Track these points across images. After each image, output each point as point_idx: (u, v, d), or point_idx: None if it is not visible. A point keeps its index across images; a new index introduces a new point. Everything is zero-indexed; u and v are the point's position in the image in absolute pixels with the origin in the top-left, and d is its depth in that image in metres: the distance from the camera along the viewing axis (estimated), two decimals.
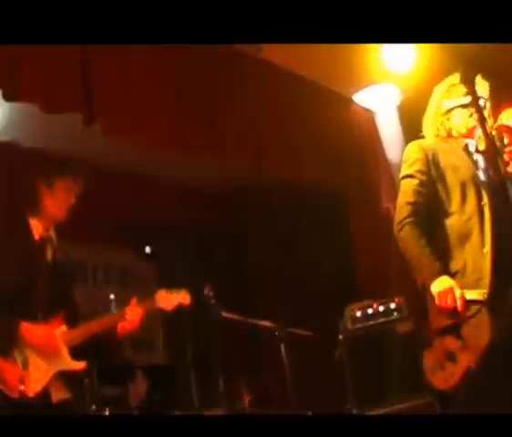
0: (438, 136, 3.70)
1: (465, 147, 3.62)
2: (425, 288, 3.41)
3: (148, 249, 6.28)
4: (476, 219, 3.42)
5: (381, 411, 5.23)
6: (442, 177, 3.53)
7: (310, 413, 4.80)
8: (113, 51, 4.78)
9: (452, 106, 3.69)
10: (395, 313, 5.61)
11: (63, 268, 3.74)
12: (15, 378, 3.33)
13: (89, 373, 4.23)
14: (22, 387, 3.32)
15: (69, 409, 3.51)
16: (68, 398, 3.52)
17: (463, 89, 3.59)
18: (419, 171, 3.55)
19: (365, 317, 5.64)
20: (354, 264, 6.47)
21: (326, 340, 5.33)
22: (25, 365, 3.38)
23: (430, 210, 3.52)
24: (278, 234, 6.59)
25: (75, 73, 4.69)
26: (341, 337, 5.55)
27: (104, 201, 5.94)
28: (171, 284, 3.80)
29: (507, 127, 3.61)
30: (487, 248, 3.36)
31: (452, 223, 3.47)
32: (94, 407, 4.36)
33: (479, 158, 3.61)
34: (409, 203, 3.52)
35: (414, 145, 3.65)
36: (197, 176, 6.58)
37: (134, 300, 3.76)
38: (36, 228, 3.63)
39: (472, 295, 3.33)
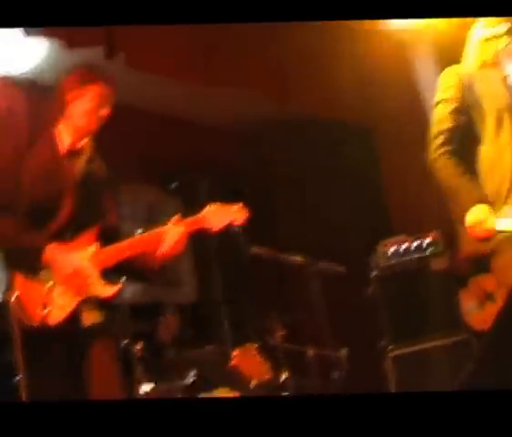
0: (477, 64, 3.56)
1: (504, 79, 3.48)
2: (460, 218, 3.32)
3: (173, 186, 6.27)
4: (510, 148, 3.33)
5: (416, 348, 5.19)
6: (477, 104, 3.43)
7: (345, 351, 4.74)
8: None
9: (495, 32, 3.51)
10: (430, 248, 5.49)
11: (97, 183, 3.36)
12: (38, 301, 3.10)
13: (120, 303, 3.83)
14: (45, 311, 3.08)
15: (100, 334, 3.23)
16: (100, 323, 3.23)
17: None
18: (454, 97, 3.46)
19: (399, 253, 5.53)
20: (387, 201, 6.37)
21: (358, 276, 5.25)
22: (51, 289, 3.12)
23: (464, 138, 3.44)
24: (306, 171, 6.48)
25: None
26: (373, 274, 5.47)
27: (126, 138, 5.88)
28: None
29: None
30: None
31: (486, 151, 3.40)
32: (125, 341, 4.17)
33: None
34: (443, 130, 3.44)
35: (449, 70, 3.55)
36: (223, 111, 6.47)
37: (176, 217, 3.34)
38: (66, 137, 3.30)
39: (505, 224, 3.24)
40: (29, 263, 3.12)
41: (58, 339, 3.16)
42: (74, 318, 3.18)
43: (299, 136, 6.41)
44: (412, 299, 5.36)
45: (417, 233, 5.57)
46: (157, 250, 3.27)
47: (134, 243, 3.28)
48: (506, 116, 3.37)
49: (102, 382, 3.23)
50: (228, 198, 6.21)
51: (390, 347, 5.27)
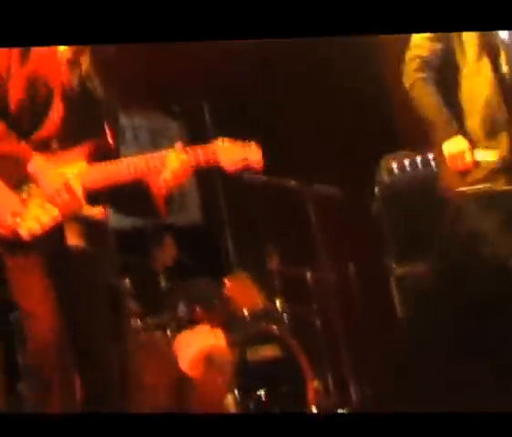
0: None
1: None
2: (439, 149, 3.29)
3: (175, 108, 6.22)
4: (492, 78, 3.26)
5: (419, 268, 5.14)
6: (457, 33, 3.33)
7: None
8: None
9: None
10: (434, 164, 5.39)
11: (93, 99, 3.10)
12: (8, 208, 2.88)
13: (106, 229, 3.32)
14: (17, 220, 2.85)
15: (83, 260, 2.98)
16: (84, 246, 2.97)
17: None
18: None
19: (402, 168, 5.43)
20: (389, 116, 6.24)
21: (359, 194, 5.18)
22: (25, 200, 2.90)
23: (444, 67, 3.39)
24: (307, 89, 6.35)
25: None
26: (377, 190, 5.39)
27: (124, 66, 5.82)
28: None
29: None
30: (502, 111, 3.23)
31: (466, 81, 3.34)
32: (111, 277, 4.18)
33: None
34: (421, 56, 3.37)
35: None
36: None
37: (179, 145, 3.01)
38: (60, 50, 3.03)
39: (484, 156, 3.16)
40: (11, 172, 2.91)
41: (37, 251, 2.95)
42: (56, 235, 2.96)
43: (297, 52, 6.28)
44: (417, 215, 5.28)
45: (423, 147, 5.46)
46: (157, 177, 2.97)
47: (130, 166, 2.95)
48: (486, 43, 3.29)
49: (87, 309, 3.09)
50: (231, 119, 6.27)
51: (394, 266, 5.22)
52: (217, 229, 5.52)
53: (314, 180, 4.69)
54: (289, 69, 6.42)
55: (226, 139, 3.03)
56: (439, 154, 3.35)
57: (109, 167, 2.96)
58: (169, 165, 2.92)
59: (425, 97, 3.33)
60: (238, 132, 5.74)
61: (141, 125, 6.43)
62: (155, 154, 3.03)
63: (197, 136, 6.12)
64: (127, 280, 4.29)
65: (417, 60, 3.36)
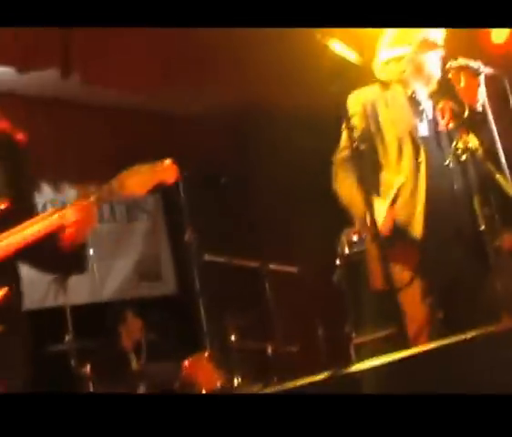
0: (385, 81, 3.70)
1: (412, 95, 3.64)
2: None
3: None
4: (411, 177, 3.48)
5: (380, 335, 5.37)
6: (380, 132, 3.58)
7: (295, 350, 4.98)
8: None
9: (396, 54, 3.67)
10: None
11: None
12: None
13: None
14: None
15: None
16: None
17: (414, 33, 3.63)
18: (356, 125, 3.59)
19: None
20: None
21: (318, 270, 5.45)
22: None
23: (368, 165, 3.57)
24: (270, 160, 6.63)
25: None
26: (338, 262, 5.66)
27: (95, 138, 6.12)
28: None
29: (464, 67, 3.52)
30: (420, 207, 3.44)
31: (388, 179, 3.55)
32: (73, 362, 4.38)
33: (426, 107, 3.64)
34: (347, 157, 3.58)
35: (353, 98, 3.67)
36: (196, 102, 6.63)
37: (82, 192, 2.88)
38: None
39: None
40: None
41: None
42: None
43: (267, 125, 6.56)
44: None
45: None
46: (63, 231, 2.75)
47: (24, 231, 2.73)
48: (406, 143, 3.51)
49: None
50: (207, 188, 6.52)
51: (354, 334, 5.46)
52: (188, 303, 5.76)
53: (275, 257, 4.95)
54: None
55: (132, 168, 2.84)
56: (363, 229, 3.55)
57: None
58: (71, 216, 2.74)
59: (348, 189, 3.56)
60: (211, 202, 6.06)
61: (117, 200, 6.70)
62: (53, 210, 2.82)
63: (173, 207, 6.43)
64: (87, 367, 4.45)
65: (341, 161, 3.61)
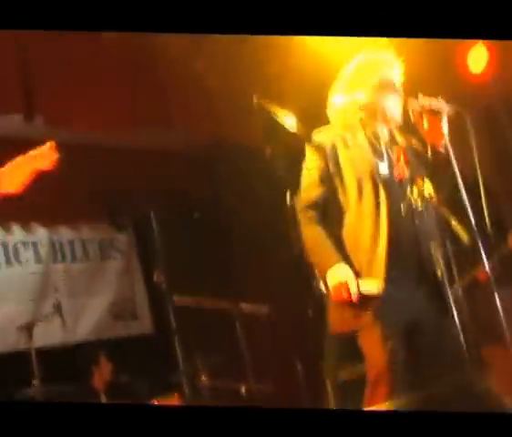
0: (344, 123, 3.66)
1: (372, 136, 3.60)
2: (324, 281, 3.43)
3: (122, 220, 6.46)
4: (371, 218, 3.42)
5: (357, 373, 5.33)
6: (340, 173, 3.52)
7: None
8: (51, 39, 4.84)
9: (356, 95, 3.63)
10: None
11: None
12: None
13: None
14: None
15: None
16: None
17: (375, 71, 3.63)
18: (317, 166, 3.55)
19: None
20: None
21: (292, 308, 5.39)
22: None
23: (329, 206, 3.54)
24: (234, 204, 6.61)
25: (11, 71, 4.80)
26: (311, 298, 5.61)
27: (64, 177, 6.05)
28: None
29: (426, 107, 3.50)
30: (382, 249, 3.37)
31: (349, 220, 3.48)
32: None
33: (387, 147, 3.61)
34: (308, 200, 3.54)
35: (313, 139, 3.62)
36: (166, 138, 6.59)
37: None
38: None
39: (368, 286, 3.34)
40: None
41: None
42: None
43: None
44: None
45: None
46: None
47: None
48: (366, 184, 3.46)
49: None
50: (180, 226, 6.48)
51: (331, 371, 5.41)
52: (163, 342, 5.70)
53: (245, 298, 4.91)
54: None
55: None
56: (325, 286, 3.44)
57: None
58: None
59: (310, 235, 3.48)
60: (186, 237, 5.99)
61: (90, 237, 6.65)
62: None
63: (146, 244, 6.37)
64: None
65: (302, 205, 3.54)
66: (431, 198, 3.36)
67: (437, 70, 6.56)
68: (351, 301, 3.33)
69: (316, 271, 3.54)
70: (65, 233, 6.44)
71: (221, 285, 5.34)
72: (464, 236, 3.33)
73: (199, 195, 6.70)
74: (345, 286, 3.32)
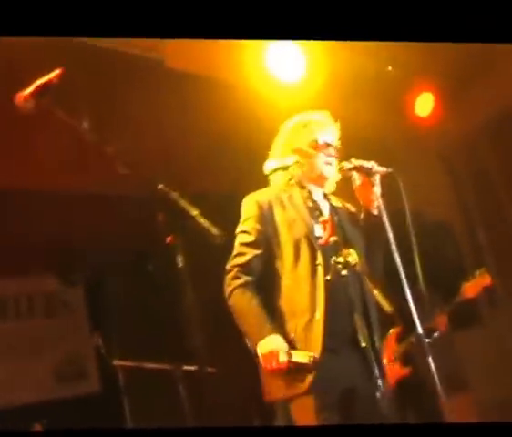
0: (276, 190, 3.61)
1: (308, 197, 3.56)
2: (255, 352, 3.30)
3: (75, 277, 6.36)
4: (308, 282, 3.34)
5: None
6: (276, 235, 3.46)
7: None
8: None
9: (298, 152, 3.61)
10: None
11: None
12: None
13: None
14: None
15: None
16: None
17: (311, 133, 3.61)
18: (252, 229, 3.47)
19: None
20: None
21: (235, 373, 5.29)
22: None
23: (265, 270, 3.45)
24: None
25: None
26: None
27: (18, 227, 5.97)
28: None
29: (358, 168, 3.47)
30: (319, 314, 3.29)
31: (285, 284, 3.40)
32: None
33: (323, 208, 3.57)
34: (241, 263, 3.43)
35: (249, 200, 3.57)
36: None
37: None
38: None
39: (299, 357, 3.24)
40: None
41: None
42: None
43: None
44: None
45: None
46: None
47: None
48: (303, 247, 3.39)
49: None
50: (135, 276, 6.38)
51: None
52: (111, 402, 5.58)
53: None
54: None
55: None
56: (255, 354, 3.31)
57: None
58: None
59: (241, 302, 3.36)
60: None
61: (36, 292, 6.52)
62: None
63: (96, 298, 6.29)
64: None
65: (235, 269, 3.42)
66: (355, 265, 3.32)
67: (385, 117, 6.67)
68: (280, 370, 3.23)
69: (246, 340, 3.38)
70: (10, 287, 6.30)
71: (167, 345, 5.21)
72: (385, 305, 3.29)
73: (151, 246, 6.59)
74: (275, 355, 3.21)
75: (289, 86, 5.74)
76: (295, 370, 3.24)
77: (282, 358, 3.21)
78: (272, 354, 3.22)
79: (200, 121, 5.62)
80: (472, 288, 5.41)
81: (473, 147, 7.65)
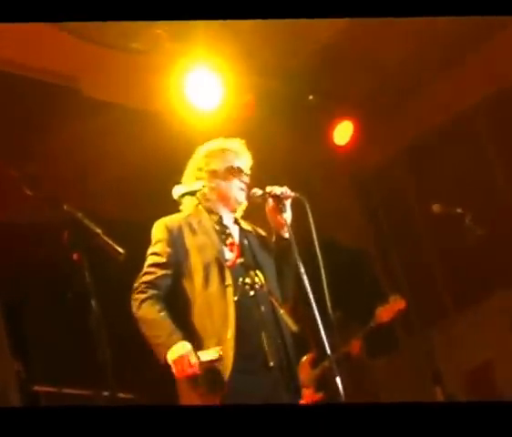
0: (187, 213, 3.72)
1: (218, 221, 3.67)
2: (164, 361, 3.35)
3: None
4: (219, 304, 3.44)
5: None
6: (187, 259, 3.55)
7: None
8: None
9: (210, 177, 3.73)
10: None
11: None
12: None
13: None
14: None
15: None
16: None
17: (224, 159, 3.74)
18: (161, 252, 3.56)
19: None
20: None
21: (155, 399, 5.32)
22: None
23: (175, 290, 3.54)
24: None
25: None
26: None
27: None
28: None
29: (270, 193, 3.62)
30: (230, 334, 3.38)
31: (196, 306, 3.49)
32: None
33: (233, 232, 3.69)
34: (149, 280, 3.51)
35: (159, 224, 3.65)
36: None
37: None
38: None
39: (208, 355, 3.34)
40: None
41: None
42: None
43: None
44: None
45: None
46: None
47: None
48: (213, 269, 3.50)
49: None
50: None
51: None
52: None
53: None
54: None
55: None
56: (166, 366, 3.36)
57: None
58: None
59: (149, 314, 3.43)
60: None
61: None
62: None
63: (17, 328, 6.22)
64: None
65: (143, 285, 3.50)
66: (261, 286, 3.46)
67: (304, 145, 6.85)
68: (193, 374, 3.31)
69: (156, 353, 3.42)
70: None
71: (87, 372, 5.23)
72: (292, 325, 3.42)
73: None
74: (186, 359, 3.29)
75: (207, 113, 5.84)
76: (209, 388, 3.34)
77: (193, 360, 3.29)
78: (183, 358, 3.29)
79: (117, 148, 5.68)
80: (386, 312, 5.52)
81: (389, 174, 7.89)
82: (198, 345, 3.41)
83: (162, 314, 3.42)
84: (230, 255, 3.56)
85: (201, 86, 5.73)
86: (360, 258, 7.75)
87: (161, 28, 5.36)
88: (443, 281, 7.63)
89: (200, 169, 3.75)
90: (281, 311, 3.39)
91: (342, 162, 7.30)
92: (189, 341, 3.38)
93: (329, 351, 3.30)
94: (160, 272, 3.52)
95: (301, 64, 6.39)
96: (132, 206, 6.28)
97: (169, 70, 5.57)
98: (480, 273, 7.20)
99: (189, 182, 3.76)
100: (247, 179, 3.73)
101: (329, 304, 3.33)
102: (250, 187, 3.73)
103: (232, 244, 3.58)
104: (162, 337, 3.38)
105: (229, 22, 5.52)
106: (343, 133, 6.93)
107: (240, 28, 5.65)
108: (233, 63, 5.83)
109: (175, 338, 3.35)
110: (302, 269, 3.41)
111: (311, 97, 6.56)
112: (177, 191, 3.75)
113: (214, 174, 3.71)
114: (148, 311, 3.45)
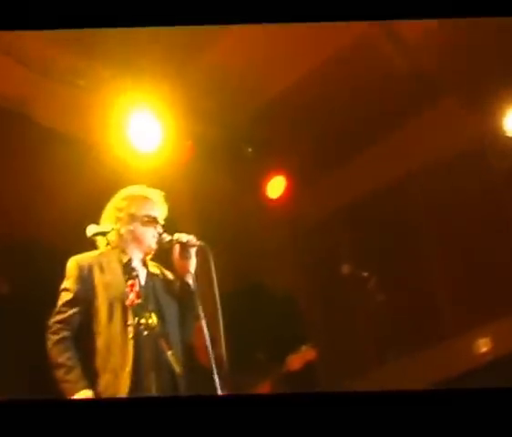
0: (102, 249, 4.07)
1: (128, 262, 4.00)
2: None
3: None
4: (119, 340, 3.76)
5: None
6: (94, 296, 3.87)
7: None
8: None
9: (123, 220, 4.08)
10: None
11: None
12: None
13: None
14: None
15: None
16: None
17: (138, 205, 4.11)
18: (71, 288, 3.88)
19: None
20: None
21: None
22: None
23: (83, 329, 3.85)
24: None
25: None
26: None
27: None
28: None
29: (178, 240, 4.01)
30: (128, 370, 3.70)
31: (100, 343, 3.80)
32: None
33: (140, 273, 4.01)
34: (61, 320, 3.83)
35: (72, 261, 3.98)
36: None
37: None
38: None
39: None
40: None
41: None
42: None
43: None
44: None
45: None
46: None
47: None
48: (117, 307, 3.84)
49: None
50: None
51: None
52: None
53: None
54: None
55: None
56: None
57: None
58: None
59: (59, 357, 3.74)
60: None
61: None
62: None
63: None
64: None
65: (56, 325, 3.82)
66: (154, 327, 3.79)
67: (239, 195, 7.12)
68: None
69: (62, 389, 3.73)
70: None
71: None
72: (176, 367, 3.75)
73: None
74: None
75: (146, 154, 6.14)
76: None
77: None
78: None
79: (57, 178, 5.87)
80: (296, 361, 5.76)
81: (324, 228, 8.07)
82: (97, 380, 3.73)
83: (71, 362, 3.71)
84: (131, 295, 3.87)
85: (141, 127, 6.02)
86: (288, 303, 7.93)
87: (108, 69, 5.69)
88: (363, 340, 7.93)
89: (121, 210, 4.09)
90: (169, 353, 3.73)
91: (278, 213, 7.53)
92: (90, 377, 3.72)
93: (220, 391, 3.66)
94: (71, 311, 3.83)
95: (242, 115, 6.69)
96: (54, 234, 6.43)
97: (112, 109, 5.83)
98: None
99: (109, 220, 4.09)
100: (160, 230, 4.08)
101: (223, 348, 3.70)
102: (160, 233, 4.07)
103: (133, 285, 3.90)
104: (70, 382, 3.69)
105: (175, 67, 5.91)
106: (275, 187, 7.17)
107: (186, 74, 5.99)
108: (175, 108, 6.14)
109: (79, 386, 3.66)
110: (202, 314, 3.80)
111: (250, 150, 6.88)
112: (90, 230, 4.07)
113: (133, 217, 4.07)
114: (59, 355, 3.74)
